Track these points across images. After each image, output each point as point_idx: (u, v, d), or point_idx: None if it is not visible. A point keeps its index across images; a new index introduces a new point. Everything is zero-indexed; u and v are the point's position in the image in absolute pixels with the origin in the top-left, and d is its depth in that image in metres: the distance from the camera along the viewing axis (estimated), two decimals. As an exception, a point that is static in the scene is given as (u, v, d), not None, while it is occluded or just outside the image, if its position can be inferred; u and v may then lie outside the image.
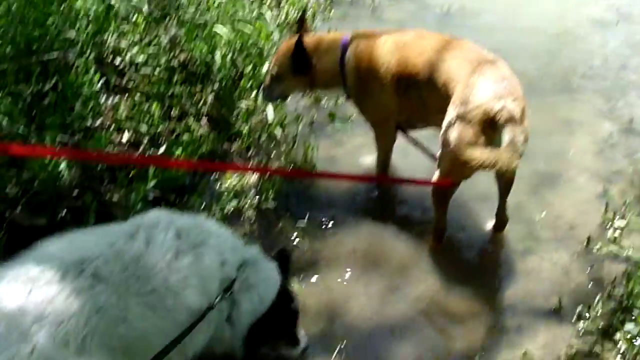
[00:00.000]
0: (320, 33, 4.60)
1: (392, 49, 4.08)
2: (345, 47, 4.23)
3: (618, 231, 4.16)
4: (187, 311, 2.71)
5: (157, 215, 2.89)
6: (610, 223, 4.22)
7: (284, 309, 3.08)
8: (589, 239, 4.11)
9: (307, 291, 3.71)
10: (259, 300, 2.96)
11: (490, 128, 3.48)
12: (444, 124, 3.70)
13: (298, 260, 3.85)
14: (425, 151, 4.25)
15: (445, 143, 3.69)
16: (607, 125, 5.16)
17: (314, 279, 3.83)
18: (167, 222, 2.79)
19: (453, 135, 3.59)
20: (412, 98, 4.04)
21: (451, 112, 3.65)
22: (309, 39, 4.31)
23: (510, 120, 3.44)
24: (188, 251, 2.74)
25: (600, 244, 4.10)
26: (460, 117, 3.58)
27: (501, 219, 4.15)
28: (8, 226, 3.48)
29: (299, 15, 4.56)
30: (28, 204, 3.65)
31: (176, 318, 2.68)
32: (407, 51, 4.04)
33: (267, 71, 4.54)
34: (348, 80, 4.25)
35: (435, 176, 3.83)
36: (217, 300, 2.77)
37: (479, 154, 3.36)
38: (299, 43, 4.20)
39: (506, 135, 3.41)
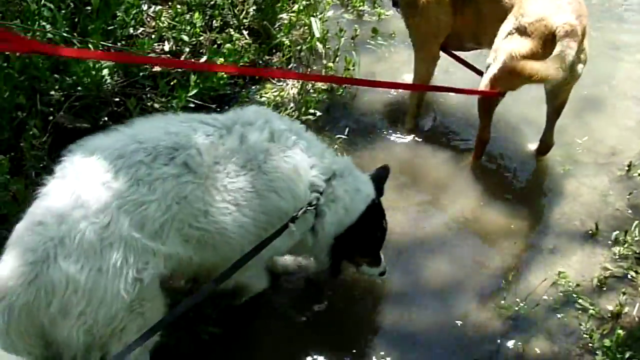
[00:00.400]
0: None
1: None
2: None
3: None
4: (272, 212, 2.74)
5: (255, 112, 2.90)
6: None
7: (372, 224, 3.08)
8: (629, 165, 4.07)
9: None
10: (344, 212, 2.95)
11: (550, 43, 3.46)
12: (500, 33, 3.67)
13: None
14: (471, 67, 4.20)
15: (498, 51, 3.65)
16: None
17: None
18: (263, 122, 2.80)
19: (509, 45, 3.58)
20: (469, 13, 3.92)
21: (510, 22, 3.63)
22: None
23: (569, 34, 3.41)
24: (279, 154, 2.76)
25: (640, 171, 4.07)
26: (521, 29, 3.56)
27: (546, 143, 4.12)
28: (53, 128, 3.56)
29: None
30: (72, 108, 3.71)
31: (259, 218, 2.71)
32: None
33: None
34: None
35: (483, 84, 3.79)
36: (300, 212, 2.77)
37: (530, 65, 3.36)
38: None
39: (558, 47, 3.39)
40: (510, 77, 3.52)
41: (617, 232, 3.68)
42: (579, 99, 4.45)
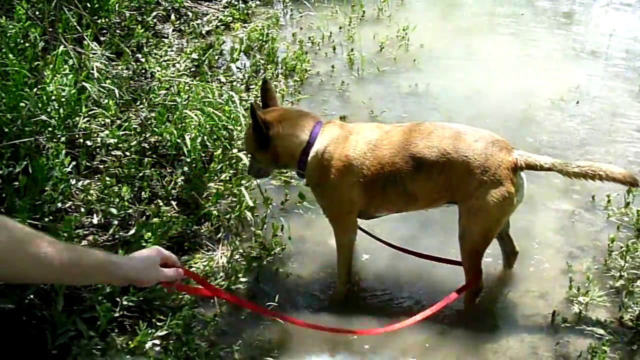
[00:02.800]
0: (290, 107, 4.57)
1: (364, 150, 4.00)
2: (314, 134, 4.06)
3: (582, 306, 4.23)
4: None
5: None
6: (575, 299, 4.29)
7: None
8: (553, 314, 4.17)
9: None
10: None
11: (515, 178, 3.89)
12: (465, 197, 3.92)
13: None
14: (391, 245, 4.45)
15: (477, 210, 3.89)
16: (568, 203, 5.27)
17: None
18: None
19: (489, 199, 3.85)
20: (392, 192, 4.02)
21: (471, 183, 3.86)
22: (272, 112, 4.11)
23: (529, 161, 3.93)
24: None
25: (566, 320, 4.16)
26: (487, 182, 3.84)
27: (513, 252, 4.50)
28: (-25, 311, 3.48)
29: (262, 82, 4.34)
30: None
31: None
32: (381, 150, 3.99)
33: None
34: (309, 169, 4.08)
35: (469, 243, 4.01)
36: None
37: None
38: (253, 113, 3.93)
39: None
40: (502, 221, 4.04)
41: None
42: (499, 253, 4.60)
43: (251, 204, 4.73)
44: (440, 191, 3.99)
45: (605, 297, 4.29)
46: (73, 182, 4.56)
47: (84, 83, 5.19)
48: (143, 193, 4.71)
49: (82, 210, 4.45)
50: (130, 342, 3.70)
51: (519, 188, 3.94)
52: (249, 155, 4.35)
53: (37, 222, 4.01)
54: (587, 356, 3.86)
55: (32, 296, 3.71)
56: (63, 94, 4.90)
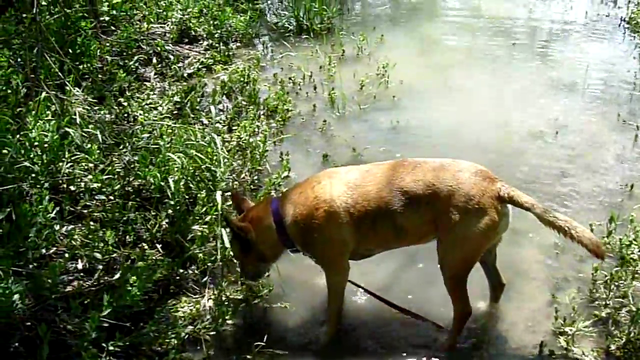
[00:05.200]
0: (252, 205, 4.48)
1: (343, 190, 4.10)
2: (277, 212, 4.20)
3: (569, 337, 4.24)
4: None
5: None
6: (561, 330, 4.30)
7: None
8: (541, 344, 4.18)
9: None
10: None
11: (499, 207, 3.96)
12: (449, 225, 3.95)
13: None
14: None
15: (462, 238, 3.96)
16: (551, 234, 5.27)
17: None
18: None
19: (473, 227, 3.92)
20: (381, 229, 4.08)
21: (456, 212, 3.92)
22: (243, 216, 4.34)
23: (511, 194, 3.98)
24: None
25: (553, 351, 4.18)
26: (471, 210, 3.91)
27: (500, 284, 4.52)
28: (-41, 361, 3.44)
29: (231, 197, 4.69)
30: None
31: None
32: (365, 188, 4.09)
33: None
34: (296, 239, 4.20)
35: (452, 270, 4.06)
36: None
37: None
38: (228, 223, 4.26)
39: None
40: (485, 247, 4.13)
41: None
42: (486, 286, 4.63)
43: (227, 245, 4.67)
44: (429, 223, 4.03)
45: (591, 327, 4.31)
46: (57, 227, 4.54)
47: (66, 128, 5.19)
48: (127, 237, 4.71)
49: (67, 255, 4.43)
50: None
51: (502, 217, 3.99)
52: (239, 262, 4.51)
53: (21, 269, 4.00)
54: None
55: (17, 344, 3.68)
56: (46, 139, 4.90)
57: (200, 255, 4.73)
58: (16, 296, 3.73)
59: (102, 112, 5.97)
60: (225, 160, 5.42)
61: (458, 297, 4.10)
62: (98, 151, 5.24)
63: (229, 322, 4.31)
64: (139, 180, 5.18)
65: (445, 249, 4.04)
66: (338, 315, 4.35)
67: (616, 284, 4.56)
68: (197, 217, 4.95)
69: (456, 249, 4.00)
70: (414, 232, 4.10)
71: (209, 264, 4.73)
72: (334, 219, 4.05)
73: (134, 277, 3.98)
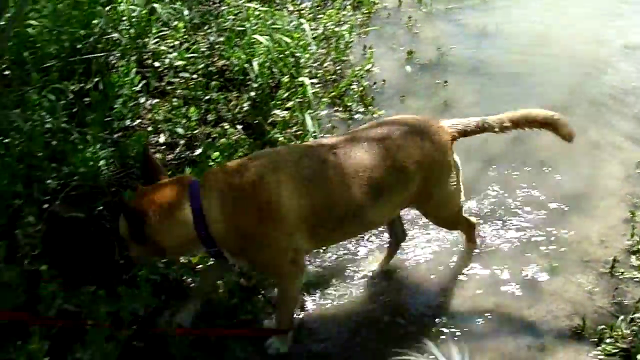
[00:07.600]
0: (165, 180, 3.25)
1: (294, 185, 3.18)
2: (195, 196, 3.09)
3: (643, 256, 4.18)
4: None
5: None
6: (636, 248, 4.24)
7: None
8: (614, 261, 4.13)
9: None
10: None
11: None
12: (429, 197, 3.69)
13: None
14: None
15: (445, 198, 3.77)
16: (636, 150, 5.17)
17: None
18: None
19: (450, 186, 3.70)
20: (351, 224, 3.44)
21: (436, 183, 3.66)
22: (143, 193, 3.14)
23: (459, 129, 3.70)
24: None
25: (625, 269, 4.12)
26: (446, 172, 3.66)
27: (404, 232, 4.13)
28: (48, 217, 3.60)
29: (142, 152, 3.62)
30: (67, 197, 3.76)
31: None
32: (322, 179, 3.26)
33: None
34: (222, 241, 3.14)
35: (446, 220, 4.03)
36: None
37: None
38: (122, 203, 3.10)
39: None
40: None
41: (604, 327, 3.68)
42: (561, 197, 4.56)
43: (312, 131, 4.63)
44: (401, 204, 3.71)
45: (667, 246, 4.23)
46: (142, 100, 4.64)
47: (154, 4, 5.20)
48: (209, 115, 4.77)
49: (150, 129, 4.53)
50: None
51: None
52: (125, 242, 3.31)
53: (107, 137, 4.11)
54: (645, 306, 3.83)
55: (101, 207, 3.83)
56: (134, 14, 4.94)
57: (281, 139, 4.72)
58: (102, 162, 3.87)
59: (189, -10, 5.93)
60: (311, 47, 5.36)
61: (462, 222, 4.08)
62: (184, 29, 5.25)
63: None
64: (223, 61, 5.21)
65: (432, 212, 3.90)
66: (291, 320, 3.56)
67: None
68: (279, 102, 4.96)
69: (441, 207, 3.84)
70: (383, 221, 3.83)
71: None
72: (286, 223, 3.20)
73: (217, 153, 4.03)
